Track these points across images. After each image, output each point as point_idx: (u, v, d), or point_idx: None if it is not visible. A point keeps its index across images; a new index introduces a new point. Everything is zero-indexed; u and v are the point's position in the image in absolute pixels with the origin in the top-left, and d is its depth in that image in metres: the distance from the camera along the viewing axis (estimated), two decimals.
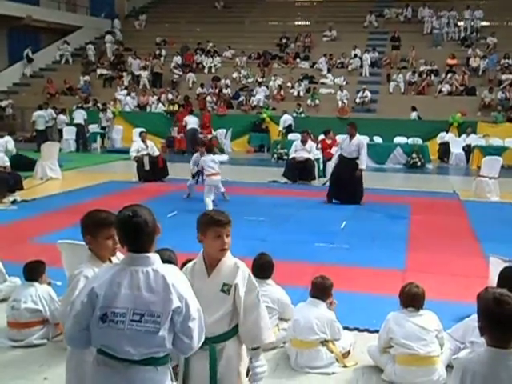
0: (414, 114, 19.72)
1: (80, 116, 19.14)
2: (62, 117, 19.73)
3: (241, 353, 2.93)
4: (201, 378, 2.82)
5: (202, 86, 22.52)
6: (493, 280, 4.75)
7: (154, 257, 2.47)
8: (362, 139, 10.87)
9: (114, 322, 2.34)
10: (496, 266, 4.83)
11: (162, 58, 25.03)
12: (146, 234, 2.44)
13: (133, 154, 13.09)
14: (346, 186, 10.54)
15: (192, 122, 18.29)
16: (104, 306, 2.36)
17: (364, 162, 10.66)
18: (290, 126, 19.24)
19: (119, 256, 3.12)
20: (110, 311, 2.35)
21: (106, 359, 2.40)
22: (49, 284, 5.00)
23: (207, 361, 2.81)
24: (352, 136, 10.62)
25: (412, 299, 4.20)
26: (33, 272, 4.91)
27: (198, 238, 2.94)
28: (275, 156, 17.08)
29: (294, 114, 19.97)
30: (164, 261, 3.80)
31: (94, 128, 19.92)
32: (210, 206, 8.96)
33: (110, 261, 3.12)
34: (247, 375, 2.91)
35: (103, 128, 19.90)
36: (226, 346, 2.87)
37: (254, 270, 4.71)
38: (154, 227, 2.48)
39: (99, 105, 21.17)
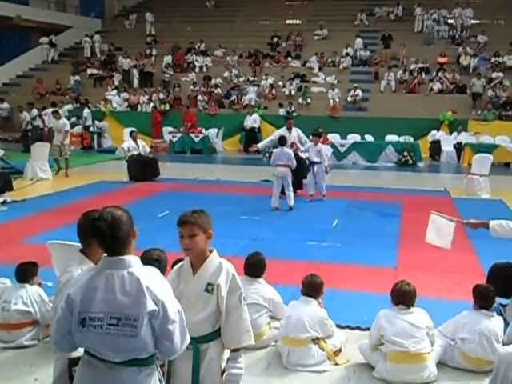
0: (281, 111, 20.07)
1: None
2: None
3: (223, 355, 2.91)
4: (184, 378, 2.82)
5: (194, 84, 22.48)
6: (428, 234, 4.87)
7: (130, 259, 2.42)
8: (299, 130, 11.23)
9: (92, 327, 2.34)
10: (434, 223, 4.90)
11: (153, 58, 24.96)
12: (114, 237, 2.38)
13: (125, 147, 13.19)
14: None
15: None
16: (82, 311, 2.36)
17: (303, 147, 11.13)
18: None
19: None
20: (87, 316, 2.35)
21: (91, 359, 2.41)
22: (39, 285, 4.98)
23: (190, 361, 2.81)
24: (290, 129, 10.97)
25: (403, 297, 4.22)
26: (25, 273, 4.89)
27: None
28: (267, 155, 17.07)
29: (286, 113, 19.98)
30: (153, 260, 3.79)
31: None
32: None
33: None
34: (222, 375, 2.88)
35: (87, 127, 19.71)
36: (209, 347, 2.86)
37: (245, 268, 4.72)
38: (128, 230, 2.42)
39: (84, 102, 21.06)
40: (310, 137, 15.19)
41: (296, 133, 10.96)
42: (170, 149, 19.03)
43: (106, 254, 2.45)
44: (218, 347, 2.89)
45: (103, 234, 2.38)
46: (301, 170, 10.80)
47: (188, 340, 2.47)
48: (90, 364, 2.42)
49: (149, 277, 2.40)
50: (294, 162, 9.87)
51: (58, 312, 2.47)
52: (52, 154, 13.67)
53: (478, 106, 19.91)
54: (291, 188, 9.99)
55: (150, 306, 2.31)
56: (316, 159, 10.71)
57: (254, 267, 4.75)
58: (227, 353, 2.92)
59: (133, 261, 2.43)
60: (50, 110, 17.28)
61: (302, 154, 11.17)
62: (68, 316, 2.39)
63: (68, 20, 28.07)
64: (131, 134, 13.65)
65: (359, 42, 23.90)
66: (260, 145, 11.71)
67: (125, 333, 2.30)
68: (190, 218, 2.86)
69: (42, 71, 26.07)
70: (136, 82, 23.74)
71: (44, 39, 26.71)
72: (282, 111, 20.19)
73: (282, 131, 10.86)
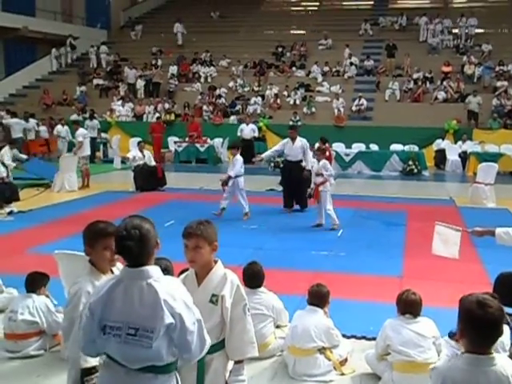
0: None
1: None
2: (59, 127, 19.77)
3: (228, 366, 2.91)
4: None
5: (201, 94, 22.56)
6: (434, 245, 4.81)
7: (150, 270, 2.44)
8: (304, 141, 10.70)
9: (112, 335, 2.38)
10: (440, 234, 4.87)
11: (158, 68, 25.11)
12: (140, 251, 2.40)
13: (130, 157, 13.28)
14: (296, 190, 10.57)
15: None
16: (102, 319, 2.40)
17: (310, 162, 10.37)
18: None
19: (119, 266, 3.13)
20: (108, 324, 2.39)
21: (111, 362, 2.45)
22: (47, 296, 4.99)
23: (195, 371, 2.81)
24: (294, 139, 10.57)
25: (409, 306, 4.21)
26: (33, 283, 4.91)
27: None
28: (272, 164, 17.09)
29: (291, 123, 20.01)
30: (161, 270, 3.83)
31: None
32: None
33: (112, 272, 3.12)
34: None
35: (94, 138, 19.75)
36: (214, 358, 2.86)
37: (244, 279, 4.70)
38: (153, 243, 2.45)
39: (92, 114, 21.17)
40: (316, 144, 15.27)
41: (300, 143, 10.60)
42: (175, 158, 19.09)
43: (127, 264, 2.47)
44: (222, 358, 2.89)
45: (132, 253, 2.41)
46: (303, 183, 10.24)
47: (207, 345, 2.49)
48: (109, 367, 2.47)
49: (167, 289, 2.40)
50: None
51: (83, 320, 2.51)
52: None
53: (474, 124, 19.75)
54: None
55: (168, 319, 2.33)
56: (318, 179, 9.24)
57: (253, 278, 4.74)
58: (231, 364, 2.91)
59: (153, 271, 2.44)
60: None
61: (308, 166, 10.35)
62: (91, 323, 2.44)
63: (74, 31, 28.28)
64: (139, 143, 13.74)
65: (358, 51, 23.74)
66: (264, 155, 11.58)
67: (142, 343, 2.33)
68: (196, 230, 2.85)
69: (49, 82, 26.24)
70: (141, 93, 23.83)
71: (57, 51, 27.02)
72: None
73: (287, 141, 10.74)
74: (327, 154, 14.34)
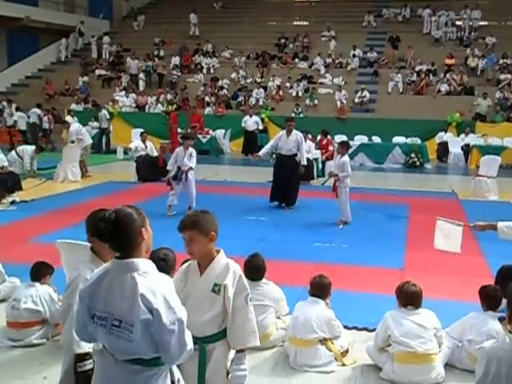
0: None
1: (35, 116, 19.55)
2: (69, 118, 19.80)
3: (229, 356, 2.91)
4: (190, 377, 2.81)
5: (204, 86, 22.52)
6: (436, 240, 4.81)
7: (138, 262, 2.38)
8: (300, 134, 10.18)
9: (99, 325, 2.38)
10: (441, 229, 4.86)
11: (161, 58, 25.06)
12: (116, 237, 2.37)
13: (132, 147, 13.29)
14: (286, 185, 10.09)
15: None
16: (91, 308, 2.41)
17: (304, 157, 10.19)
18: None
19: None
20: (96, 314, 2.39)
21: (104, 350, 2.46)
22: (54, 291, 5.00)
23: (196, 361, 2.81)
24: (290, 132, 10.03)
25: (411, 298, 4.23)
26: (37, 272, 4.94)
27: None
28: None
29: (293, 114, 19.97)
30: (159, 259, 3.83)
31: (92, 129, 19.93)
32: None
33: None
34: (227, 376, 2.88)
35: (102, 130, 19.73)
36: (215, 347, 2.87)
37: (245, 272, 4.71)
38: (133, 231, 2.38)
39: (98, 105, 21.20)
40: (318, 136, 15.29)
41: (295, 136, 9.99)
42: None
43: (116, 255, 2.45)
44: (223, 347, 2.90)
45: (103, 235, 2.39)
46: (294, 179, 10.08)
47: (188, 350, 2.40)
48: (102, 354, 2.48)
49: (149, 284, 2.33)
50: None
51: (75, 306, 2.55)
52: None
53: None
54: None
55: (143, 314, 2.28)
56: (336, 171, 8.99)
57: (254, 271, 4.73)
58: (232, 353, 2.92)
59: (141, 265, 2.39)
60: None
61: (304, 161, 10.16)
62: (83, 310, 2.45)
63: (77, 21, 28.20)
64: (141, 134, 13.73)
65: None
66: (261, 153, 10.90)
67: (124, 336, 2.31)
68: (188, 223, 2.86)
69: (51, 72, 26.21)
70: (142, 84, 23.79)
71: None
72: None
73: (281, 134, 10.25)
74: (330, 148, 14.43)
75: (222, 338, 2.88)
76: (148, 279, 2.35)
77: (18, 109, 20.48)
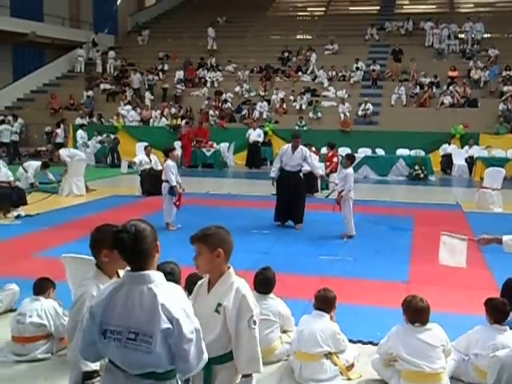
0: None
1: (7, 134, 19.79)
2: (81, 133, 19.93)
3: (236, 379, 2.83)
4: None
5: (208, 99, 22.64)
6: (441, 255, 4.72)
7: (152, 275, 2.41)
8: (305, 149, 9.89)
9: (112, 339, 2.37)
10: (446, 244, 4.82)
11: (165, 73, 25.22)
12: (136, 250, 2.38)
13: (137, 161, 13.36)
14: (291, 202, 9.72)
15: None
16: (103, 323, 2.40)
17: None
18: None
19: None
20: (108, 329, 2.38)
21: (112, 367, 2.45)
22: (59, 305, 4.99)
23: (202, 382, 2.78)
24: (295, 148, 9.72)
25: (419, 314, 4.14)
26: (40, 286, 4.93)
27: None
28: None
29: (297, 127, 20.04)
30: (166, 273, 3.83)
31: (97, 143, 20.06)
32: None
33: (118, 276, 3.11)
34: None
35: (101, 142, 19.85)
36: (221, 370, 2.80)
37: (255, 284, 4.69)
38: (151, 244, 2.42)
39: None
40: (323, 149, 15.29)
41: (301, 153, 9.70)
42: (181, 163, 19.11)
43: (128, 268, 2.46)
44: (229, 370, 2.81)
45: (125, 247, 2.39)
46: (300, 196, 9.85)
47: (205, 359, 2.42)
48: (110, 371, 2.46)
49: (166, 294, 2.37)
50: None
51: (84, 323, 2.52)
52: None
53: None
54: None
55: (164, 324, 2.30)
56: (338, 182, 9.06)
57: (264, 284, 4.71)
58: (239, 377, 2.83)
59: (154, 276, 2.42)
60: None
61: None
62: (92, 327, 2.44)
63: (82, 36, 28.45)
64: (146, 148, 13.78)
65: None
66: (274, 174, 10.01)
67: (141, 348, 2.32)
68: (198, 236, 2.86)
69: (56, 86, 26.41)
70: (148, 97, 23.91)
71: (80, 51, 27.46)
72: None
73: (286, 150, 9.88)
74: (335, 160, 14.45)
75: (229, 361, 2.80)
76: (165, 290, 2.39)
77: (2, 122, 20.85)
